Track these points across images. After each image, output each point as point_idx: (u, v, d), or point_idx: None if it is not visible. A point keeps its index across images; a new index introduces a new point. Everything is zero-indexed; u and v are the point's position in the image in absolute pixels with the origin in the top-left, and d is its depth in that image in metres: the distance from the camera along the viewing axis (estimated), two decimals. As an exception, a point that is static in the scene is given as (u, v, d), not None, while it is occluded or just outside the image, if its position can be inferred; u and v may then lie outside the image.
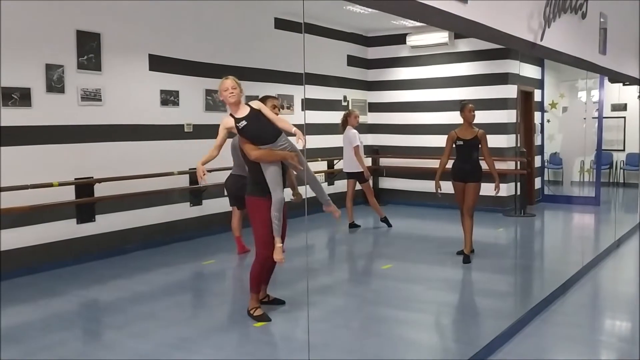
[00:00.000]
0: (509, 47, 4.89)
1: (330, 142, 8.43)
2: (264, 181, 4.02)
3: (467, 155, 5.76)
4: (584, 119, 9.57)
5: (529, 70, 9.78)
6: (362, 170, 7.43)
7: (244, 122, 3.99)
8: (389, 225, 7.75)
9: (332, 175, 9.33)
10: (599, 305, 4.99)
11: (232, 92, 3.96)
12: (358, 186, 7.70)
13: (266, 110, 4.08)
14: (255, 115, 4.00)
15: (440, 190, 5.83)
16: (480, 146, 5.79)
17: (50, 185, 5.52)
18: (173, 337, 3.86)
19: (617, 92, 10.15)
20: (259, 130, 4.00)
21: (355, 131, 7.45)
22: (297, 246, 5.24)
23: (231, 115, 4.04)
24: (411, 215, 8.80)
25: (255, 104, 4.07)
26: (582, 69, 5.88)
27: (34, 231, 5.53)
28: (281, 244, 4.10)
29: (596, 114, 9.72)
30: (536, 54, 5.68)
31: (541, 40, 4.22)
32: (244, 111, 4.02)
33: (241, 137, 4.04)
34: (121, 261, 6.00)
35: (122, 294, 4.92)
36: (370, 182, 7.98)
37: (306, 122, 7.69)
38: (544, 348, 3.78)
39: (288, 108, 8.38)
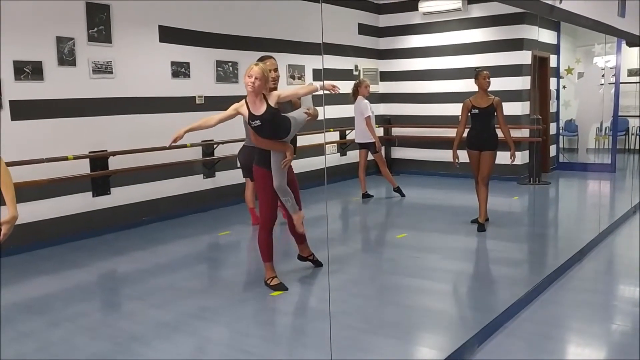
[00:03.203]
0: (529, 10, 4.78)
1: (342, 112, 8.37)
2: (269, 153, 4.06)
3: (483, 124, 5.69)
4: (601, 84, 9.40)
5: (545, 35, 9.58)
6: (373, 140, 7.38)
7: (257, 122, 3.91)
8: (402, 195, 7.73)
9: (344, 146, 9.29)
10: (615, 271, 4.98)
11: (254, 83, 3.80)
12: (370, 156, 7.67)
13: (285, 93, 3.98)
14: (271, 116, 3.89)
15: (458, 160, 5.78)
16: (496, 114, 5.71)
17: (66, 158, 5.56)
18: (193, 306, 3.91)
19: (634, 57, 9.93)
20: (271, 131, 3.97)
21: (366, 101, 7.37)
22: (314, 216, 5.27)
23: (247, 105, 3.93)
24: (424, 185, 8.77)
25: (273, 98, 3.92)
26: (601, 32, 5.76)
27: (52, 204, 5.59)
28: (299, 214, 4.21)
29: (611, 80, 9.53)
30: (555, 17, 5.55)
31: (560, 2, 4.11)
32: (260, 108, 3.89)
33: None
34: (138, 233, 6.07)
35: (141, 265, 4.98)
36: (383, 152, 7.93)
37: (317, 93, 7.61)
38: (561, 313, 3.80)
39: (299, 78, 8.30)
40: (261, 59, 4.32)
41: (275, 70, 4.27)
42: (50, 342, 3.41)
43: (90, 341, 3.41)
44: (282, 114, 4.00)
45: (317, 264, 4.66)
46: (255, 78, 3.79)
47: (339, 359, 2.96)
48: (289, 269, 4.60)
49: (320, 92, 3.97)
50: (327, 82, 3.89)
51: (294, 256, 4.72)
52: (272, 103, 3.91)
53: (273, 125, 3.94)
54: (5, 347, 3.30)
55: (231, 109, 4.01)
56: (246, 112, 3.92)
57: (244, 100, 3.97)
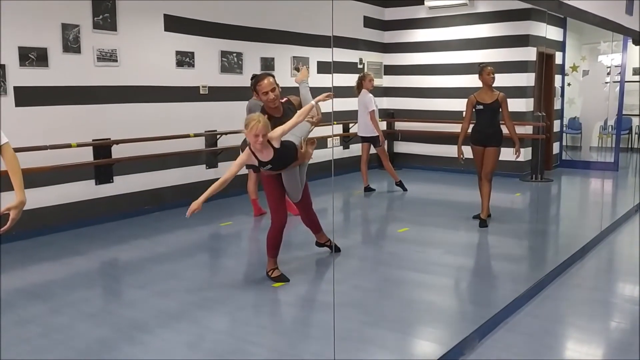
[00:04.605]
0: (537, 6, 4.75)
1: (345, 106, 8.35)
2: None
3: (487, 120, 5.68)
4: (606, 82, 9.37)
5: (551, 32, 9.53)
6: (377, 134, 7.37)
7: (269, 166, 3.91)
8: (404, 189, 7.73)
9: (346, 139, 9.28)
10: (616, 269, 4.98)
11: (262, 142, 3.68)
12: (373, 150, 7.67)
13: (288, 126, 3.82)
14: (278, 156, 3.86)
15: (463, 156, 5.77)
16: (500, 110, 5.70)
17: (69, 146, 5.56)
18: (194, 296, 3.92)
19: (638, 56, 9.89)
20: (282, 166, 3.99)
21: (370, 95, 7.35)
22: (318, 208, 5.24)
23: (252, 152, 3.82)
24: (426, 180, 8.77)
25: (277, 140, 3.81)
26: (608, 29, 5.72)
27: (54, 191, 5.60)
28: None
29: (616, 78, 9.50)
30: (563, 14, 5.53)
31: (569, -2, 4.09)
32: (268, 154, 3.82)
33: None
34: (140, 222, 6.08)
35: (143, 254, 5.00)
36: (385, 146, 7.93)
37: (321, 85, 7.57)
38: (562, 310, 3.80)
39: (303, 70, 8.27)
40: (259, 79, 4.09)
41: (273, 90, 4.02)
42: (52, 327, 3.42)
43: (92, 327, 3.42)
44: (287, 143, 3.94)
45: (335, 249, 4.74)
46: (263, 135, 3.69)
47: (340, 349, 2.96)
48: (290, 260, 4.61)
49: (325, 94, 3.96)
50: (320, 97, 3.95)
51: (295, 247, 4.73)
52: (277, 145, 3.84)
53: (283, 161, 3.97)
54: (7, 332, 3.31)
55: (240, 163, 3.89)
56: (255, 161, 3.89)
57: (248, 150, 3.86)
